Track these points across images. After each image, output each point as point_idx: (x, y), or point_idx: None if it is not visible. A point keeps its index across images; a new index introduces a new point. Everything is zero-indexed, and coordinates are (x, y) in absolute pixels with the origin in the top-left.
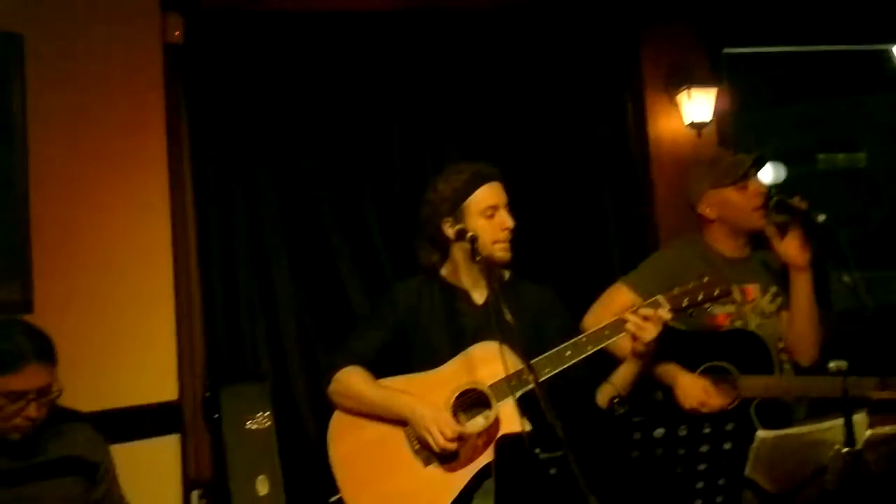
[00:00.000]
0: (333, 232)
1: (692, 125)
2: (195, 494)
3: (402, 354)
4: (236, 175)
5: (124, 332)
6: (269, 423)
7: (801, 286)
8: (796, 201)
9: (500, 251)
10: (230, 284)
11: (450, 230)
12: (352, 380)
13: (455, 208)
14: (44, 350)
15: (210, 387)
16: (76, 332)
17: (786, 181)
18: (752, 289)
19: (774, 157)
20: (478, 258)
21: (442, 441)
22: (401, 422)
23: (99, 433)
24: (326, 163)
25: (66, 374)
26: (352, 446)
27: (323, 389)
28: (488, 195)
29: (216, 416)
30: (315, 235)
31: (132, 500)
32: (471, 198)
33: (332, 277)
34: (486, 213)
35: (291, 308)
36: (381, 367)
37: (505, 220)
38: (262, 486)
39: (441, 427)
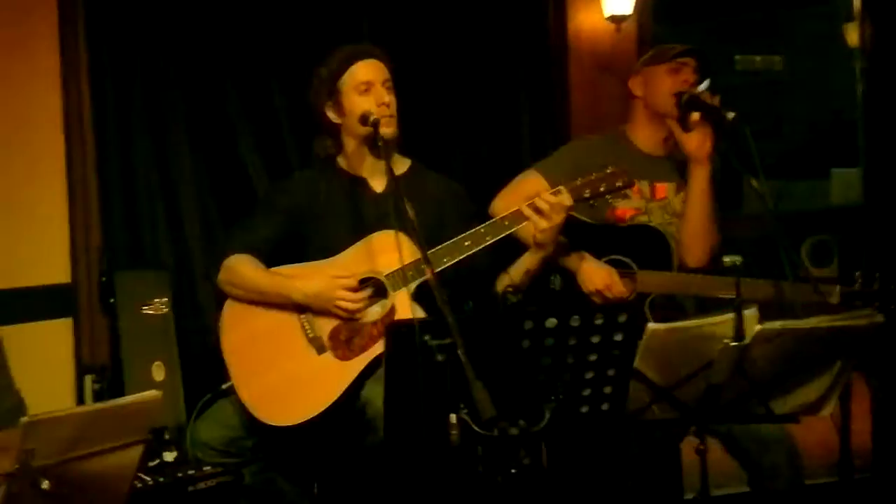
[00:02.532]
0: (239, 119)
1: (612, 18)
2: (88, 379)
3: (298, 246)
4: (136, 53)
5: (10, 211)
6: (166, 309)
7: (698, 180)
8: (707, 97)
9: (383, 127)
10: (128, 169)
11: (331, 114)
12: (240, 267)
13: (333, 91)
14: None
15: (106, 271)
16: None
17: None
18: (665, 187)
19: None
20: (380, 142)
21: (352, 297)
22: (295, 309)
23: None
24: (234, 46)
25: None
26: (243, 334)
27: (213, 279)
28: (363, 71)
29: (112, 300)
30: (220, 122)
31: (23, 383)
32: (345, 76)
33: (237, 165)
34: (361, 89)
35: (193, 195)
36: (277, 260)
37: (382, 94)
38: (158, 373)
39: (345, 286)
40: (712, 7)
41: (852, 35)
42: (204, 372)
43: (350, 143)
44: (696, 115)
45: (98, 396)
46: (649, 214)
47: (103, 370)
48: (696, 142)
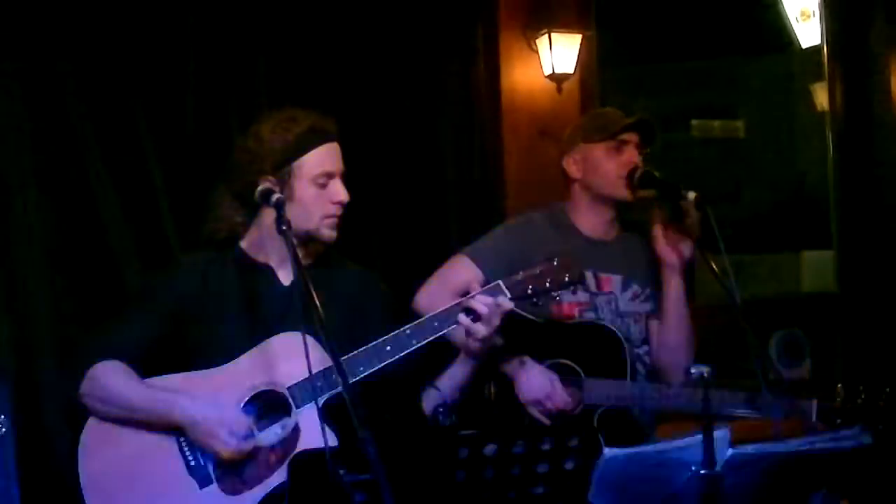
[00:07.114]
0: (104, 186)
1: (552, 77)
2: None
3: (182, 351)
4: None
5: None
6: (4, 429)
7: (673, 287)
8: (663, 176)
9: (328, 228)
10: None
11: (267, 186)
12: (109, 378)
13: (282, 166)
14: None
15: None
16: None
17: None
18: (611, 280)
19: None
20: (283, 227)
21: (234, 444)
22: (173, 430)
23: None
24: (102, 98)
25: None
26: (108, 462)
27: (74, 391)
28: (325, 159)
29: None
30: (80, 189)
31: None
32: (304, 158)
33: (99, 248)
34: (319, 181)
35: (44, 287)
36: (154, 367)
37: (339, 191)
38: None
39: (230, 428)
40: (659, 52)
41: (821, 97)
42: None
43: (270, 225)
44: (646, 194)
45: None
46: (596, 311)
47: None
48: (672, 244)
